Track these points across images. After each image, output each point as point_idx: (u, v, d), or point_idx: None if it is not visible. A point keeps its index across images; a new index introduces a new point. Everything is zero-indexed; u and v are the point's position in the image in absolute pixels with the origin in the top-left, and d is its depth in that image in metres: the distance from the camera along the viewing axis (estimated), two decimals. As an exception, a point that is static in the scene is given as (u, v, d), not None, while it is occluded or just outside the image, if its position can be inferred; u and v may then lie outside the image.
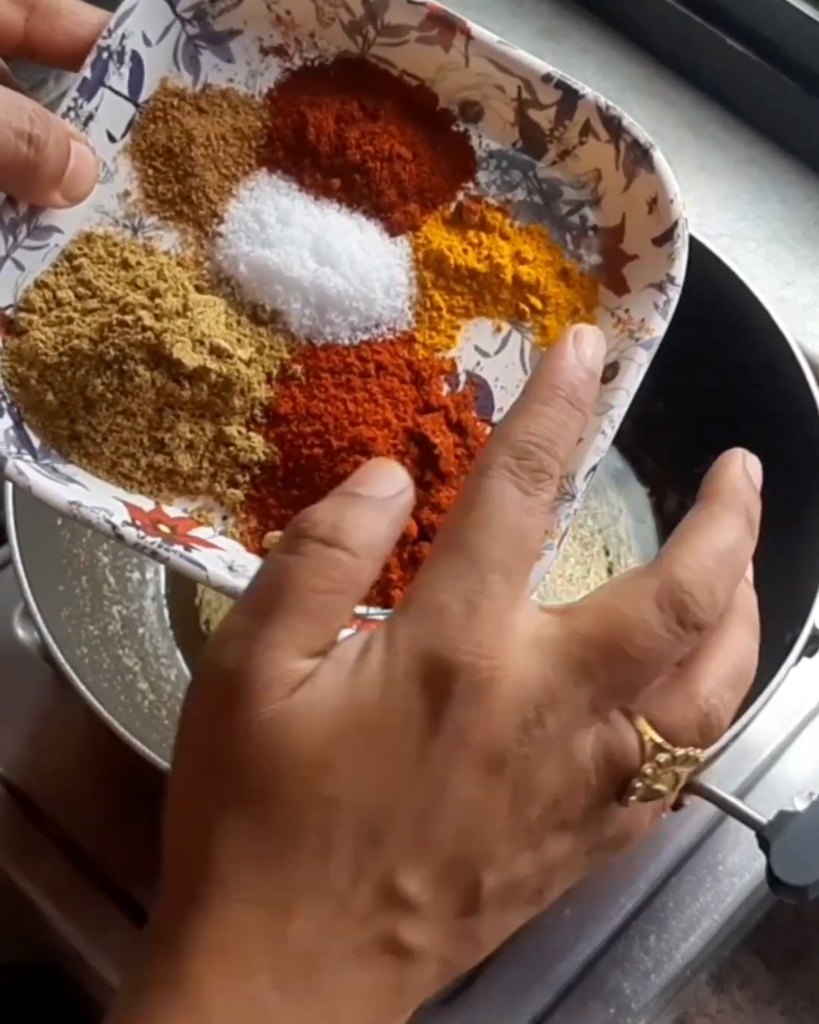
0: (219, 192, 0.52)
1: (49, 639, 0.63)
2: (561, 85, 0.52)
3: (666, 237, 0.51)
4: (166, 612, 0.78)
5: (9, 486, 0.67)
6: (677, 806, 0.63)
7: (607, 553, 0.79)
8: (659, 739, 0.41)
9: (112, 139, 0.51)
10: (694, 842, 0.75)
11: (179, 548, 0.48)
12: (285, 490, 0.51)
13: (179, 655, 0.76)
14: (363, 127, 0.53)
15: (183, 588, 0.78)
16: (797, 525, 0.69)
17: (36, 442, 0.49)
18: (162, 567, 0.79)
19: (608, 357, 0.51)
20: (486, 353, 0.53)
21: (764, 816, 0.61)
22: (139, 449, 0.50)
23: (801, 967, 0.89)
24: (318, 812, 0.38)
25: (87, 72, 0.49)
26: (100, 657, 0.70)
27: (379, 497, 0.41)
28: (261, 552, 0.50)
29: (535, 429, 0.41)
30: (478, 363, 0.53)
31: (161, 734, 0.69)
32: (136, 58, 0.51)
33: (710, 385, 0.75)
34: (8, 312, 0.49)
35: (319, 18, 0.53)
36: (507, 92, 0.52)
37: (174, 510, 0.50)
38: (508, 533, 0.40)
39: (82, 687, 0.62)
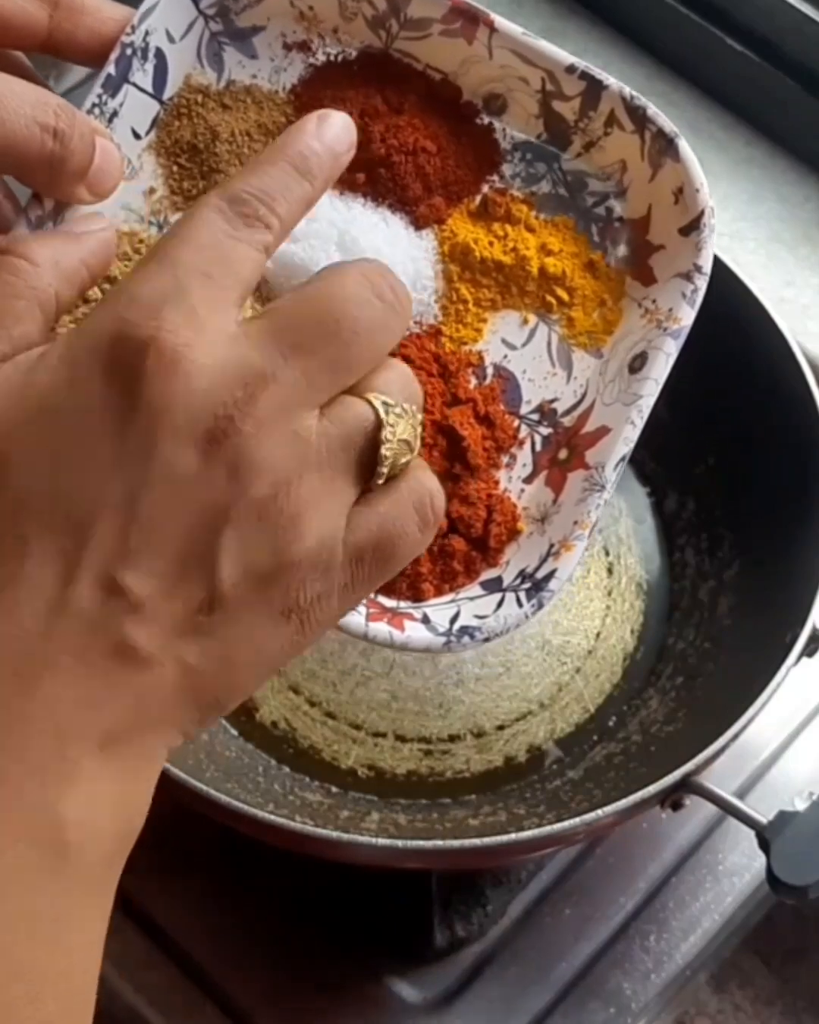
0: None
1: (49, 639, 0.63)
2: (585, 76, 0.52)
3: (693, 226, 0.51)
4: (166, 612, 0.78)
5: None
6: (677, 806, 0.63)
7: (607, 553, 0.79)
8: (387, 398, 0.39)
9: (137, 136, 0.51)
10: (694, 842, 0.75)
11: None
12: None
13: (179, 655, 0.76)
14: (387, 121, 0.53)
15: (183, 588, 0.78)
16: (797, 525, 0.69)
17: None
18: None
19: (636, 347, 0.51)
20: (513, 346, 0.53)
21: (764, 816, 0.61)
22: None
23: (801, 967, 0.90)
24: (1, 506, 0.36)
25: (111, 68, 0.49)
26: (100, 657, 0.70)
27: (72, 231, 0.43)
28: None
29: (254, 182, 0.40)
30: (505, 356, 0.53)
31: (161, 734, 0.69)
32: (160, 55, 0.51)
33: (710, 385, 0.75)
34: None
35: (342, 13, 0.52)
36: (531, 84, 0.52)
37: None
38: (210, 248, 0.38)
39: (82, 687, 0.62)
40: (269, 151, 0.42)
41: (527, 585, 0.49)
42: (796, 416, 0.70)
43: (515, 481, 0.52)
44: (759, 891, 0.74)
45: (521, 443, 0.52)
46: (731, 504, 0.77)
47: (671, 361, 0.50)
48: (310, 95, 0.53)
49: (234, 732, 0.74)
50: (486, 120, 0.54)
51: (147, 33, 0.50)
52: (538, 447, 0.52)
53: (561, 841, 0.64)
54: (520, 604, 0.49)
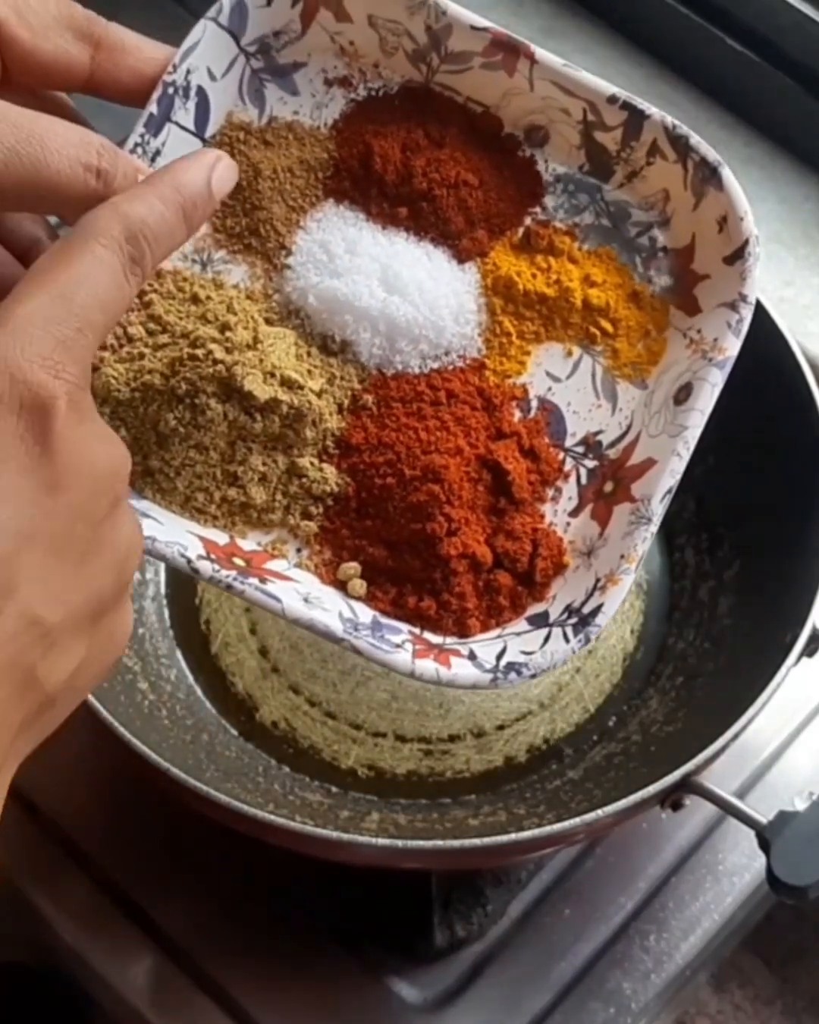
0: (287, 224, 0.52)
1: (49, 639, 0.63)
2: (627, 106, 0.51)
3: (737, 255, 0.51)
4: (166, 612, 0.78)
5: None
6: (677, 806, 0.63)
7: (607, 553, 0.79)
8: None
9: None
10: (694, 842, 0.75)
11: (254, 581, 0.48)
12: (359, 521, 0.51)
13: (179, 655, 0.76)
14: (429, 155, 0.53)
15: (183, 588, 0.78)
16: (797, 525, 0.69)
17: None
18: (162, 567, 0.79)
19: (681, 378, 0.51)
20: (557, 378, 0.53)
21: (764, 816, 0.61)
22: (212, 483, 0.50)
23: (801, 967, 0.90)
24: None
25: (153, 108, 0.49)
26: (100, 657, 0.70)
27: None
28: (336, 583, 0.50)
29: (151, 222, 0.42)
30: (550, 388, 0.53)
31: (161, 734, 0.69)
32: (201, 93, 0.51)
33: (710, 385, 0.75)
34: None
35: (382, 48, 0.53)
36: (572, 115, 0.52)
37: (248, 543, 0.50)
38: (105, 295, 0.40)
39: (82, 687, 0.62)
40: (166, 185, 0.43)
41: (574, 620, 0.49)
42: (796, 416, 0.70)
43: (561, 515, 0.52)
44: (759, 891, 0.74)
45: (566, 476, 0.52)
46: (731, 504, 0.77)
47: (717, 392, 0.50)
48: (351, 130, 0.53)
49: (234, 732, 0.74)
50: (528, 152, 0.54)
51: (189, 72, 0.50)
52: (584, 480, 0.52)
53: (561, 841, 0.64)
54: (566, 639, 0.49)
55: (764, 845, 0.60)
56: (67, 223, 0.47)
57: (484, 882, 0.73)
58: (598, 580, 0.49)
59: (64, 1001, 0.81)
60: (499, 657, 0.49)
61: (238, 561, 0.49)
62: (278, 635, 0.76)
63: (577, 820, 0.59)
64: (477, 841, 0.59)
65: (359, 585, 0.50)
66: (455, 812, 0.71)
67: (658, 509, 0.49)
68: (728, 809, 0.62)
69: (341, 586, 0.50)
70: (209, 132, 0.52)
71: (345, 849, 0.60)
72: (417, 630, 0.50)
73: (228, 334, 0.49)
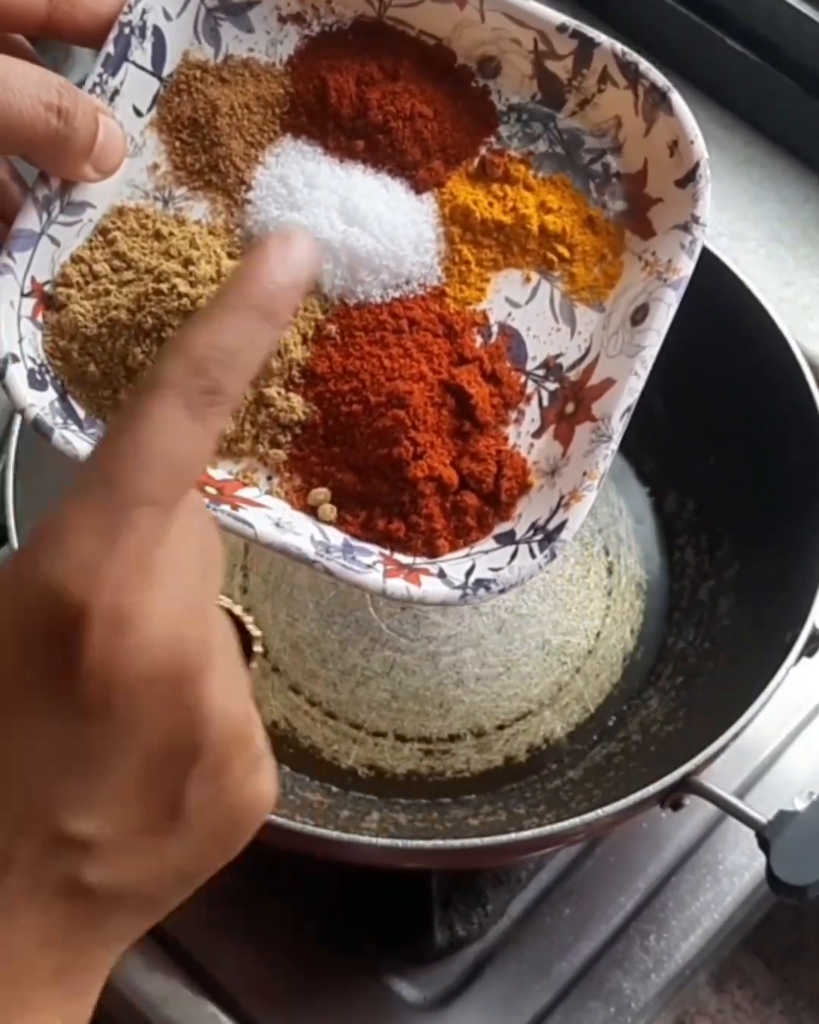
0: (246, 160, 0.53)
1: (49, 639, 0.63)
2: (577, 34, 0.53)
3: (688, 178, 0.52)
4: (166, 612, 0.78)
5: (10, 486, 0.67)
6: (677, 806, 0.63)
7: (607, 553, 0.79)
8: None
9: (138, 113, 0.52)
10: (694, 842, 0.75)
11: (226, 507, 0.49)
12: (326, 447, 0.52)
13: (179, 655, 0.76)
14: (384, 88, 0.53)
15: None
16: (797, 525, 0.69)
17: (81, 413, 0.50)
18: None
19: (637, 300, 0.52)
20: (517, 304, 0.54)
21: (764, 816, 0.61)
22: None
23: (801, 967, 0.90)
24: None
25: (110, 48, 0.50)
26: (100, 657, 0.70)
27: None
28: (307, 509, 0.52)
29: (217, 342, 0.35)
30: (509, 314, 0.54)
31: (161, 734, 0.69)
32: (158, 32, 0.52)
33: (710, 384, 0.75)
34: (46, 288, 0.50)
35: None
36: (524, 45, 0.53)
37: (219, 472, 0.51)
38: (162, 462, 0.34)
39: (82, 687, 0.62)
40: (233, 295, 0.36)
41: (540, 537, 0.50)
42: (796, 416, 0.70)
43: (524, 436, 0.53)
44: (759, 891, 0.74)
45: (528, 399, 0.53)
46: (731, 504, 0.77)
47: (672, 311, 0.51)
48: (306, 66, 0.54)
49: (234, 732, 0.74)
50: (481, 83, 0.54)
51: (144, 12, 0.51)
52: (545, 402, 0.53)
53: (561, 841, 0.64)
54: (533, 555, 0.50)
55: (764, 845, 0.60)
56: (32, 165, 0.48)
57: (484, 882, 0.73)
58: (562, 498, 0.51)
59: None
60: (468, 574, 0.50)
61: (209, 490, 0.50)
62: (278, 635, 0.76)
63: (577, 820, 0.59)
64: (477, 841, 0.59)
65: (329, 510, 0.51)
66: (455, 812, 0.71)
67: (618, 427, 0.50)
68: (728, 809, 0.62)
69: (311, 511, 0.52)
70: (166, 71, 0.53)
71: (345, 849, 0.60)
72: (387, 551, 0.51)
73: (191, 269, 0.50)
